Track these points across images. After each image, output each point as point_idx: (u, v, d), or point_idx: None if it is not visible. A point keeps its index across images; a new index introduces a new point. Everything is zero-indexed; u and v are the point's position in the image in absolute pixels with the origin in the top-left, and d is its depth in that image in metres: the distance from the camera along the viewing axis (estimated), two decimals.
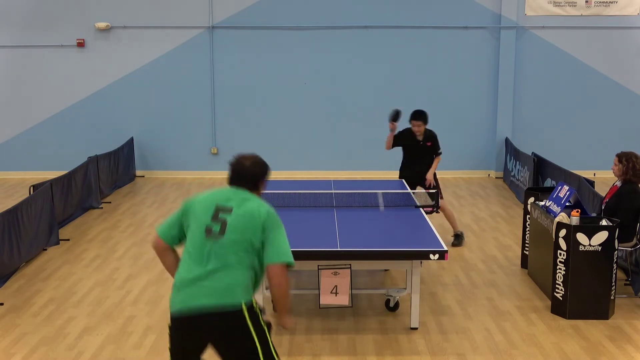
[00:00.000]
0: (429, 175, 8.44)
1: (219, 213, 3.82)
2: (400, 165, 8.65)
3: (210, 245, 3.76)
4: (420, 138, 8.43)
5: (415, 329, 5.94)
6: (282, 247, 3.79)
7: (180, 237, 3.97)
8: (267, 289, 6.12)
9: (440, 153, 8.55)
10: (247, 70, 12.75)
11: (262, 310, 3.84)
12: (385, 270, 7.37)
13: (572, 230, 6.05)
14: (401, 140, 8.50)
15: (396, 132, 8.44)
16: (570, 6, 12.61)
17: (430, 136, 8.48)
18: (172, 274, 3.95)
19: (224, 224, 3.79)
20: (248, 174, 3.96)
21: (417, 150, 8.47)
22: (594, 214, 6.96)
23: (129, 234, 9.04)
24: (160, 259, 4.06)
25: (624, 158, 6.65)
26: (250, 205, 3.84)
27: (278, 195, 7.36)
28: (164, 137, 12.94)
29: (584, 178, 8.49)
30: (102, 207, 10.42)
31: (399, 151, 8.55)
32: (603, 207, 6.79)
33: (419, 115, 8.38)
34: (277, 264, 3.76)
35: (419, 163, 8.48)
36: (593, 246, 6.04)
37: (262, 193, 4.04)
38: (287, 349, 5.59)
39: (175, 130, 12.93)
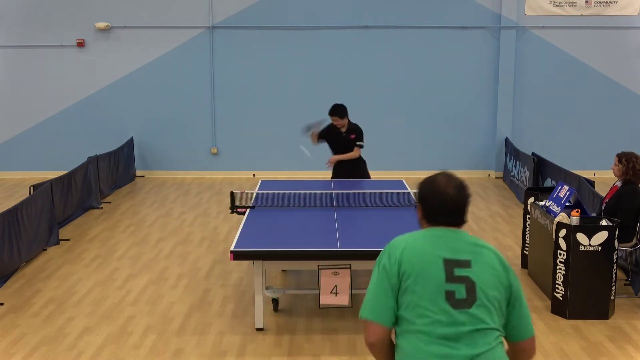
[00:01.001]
0: (334, 158, 8.52)
1: (453, 269, 2.75)
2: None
3: (462, 318, 2.70)
4: (343, 130, 8.53)
5: None
6: (529, 316, 2.90)
7: (396, 312, 2.81)
8: (267, 288, 6.12)
9: (361, 146, 8.58)
10: (247, 70, 12.75)
11: None
12: None
13: (572, 230, 6.04)
14: (325, 136, 8.59)
15: (319, 129, 8.57)
16: (570, 6, 12.61)
17: (355, 129, 8.54)
18: None
19: (470, 285, 2.73)
20: (459, 207, 2.89)
21: (339, 142, 8.56)
22: (594, 214, 6.96)
23: (129, 234, 9.04)
24: (376, 354, 2.87)
25: (624, 158, 6.65)
26: (486, 254, 2.83)
27: (279, 195, 7.36)
28: (164, 137, 12.94)
29: (584, 178, 8.49)
30: (102, 207, 10.42)
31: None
32: (603, 207, 6.79)
33: (334, 110, 8.43)
34: (529, 339, 2.87)
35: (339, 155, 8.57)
36: (593, 246, 6.04)
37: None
38: (287, 349, 5.59)
39: (175, 130, 12.93)
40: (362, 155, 8.64)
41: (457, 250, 2.79)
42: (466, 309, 2.71)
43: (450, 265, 2.75)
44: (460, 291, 2.72)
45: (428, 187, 2.92)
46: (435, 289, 2.72)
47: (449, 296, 2.71)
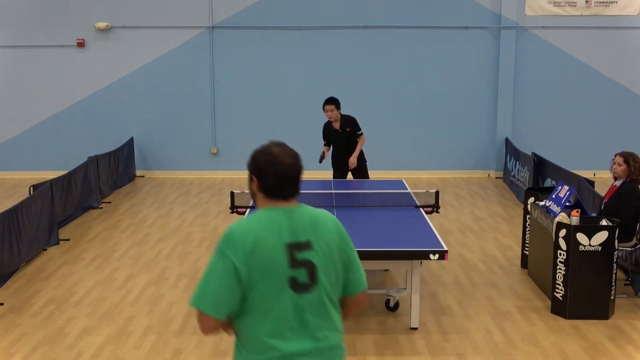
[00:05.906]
0: (352, 159, 8.67)
1: (295, 254, 2.71)
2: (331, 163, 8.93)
3: (303, 304, 2.72)
4: (337, 126, 8.65)
5: (415, 329, 5.94)
6: (363, 273, 2.97)
7: (236, 303, 2.72)
8: None
9: (362, 134, 8.77)
10: (247, 70, 12.75)
11: None
12: (385, 270, 7.36)
13: (572, 230, 6.05)
14: (327, 136, 8.80)
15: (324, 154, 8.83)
16: (570, 6, 12.61)
17: (348, 120, 8.70)
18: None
19: (311, 269, 2.73)
20: (296, 176, 2.86)
21: (340, 139, 8.72)
22: (594, 214, 6.96)
23: (129, 234, 9.04)
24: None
25: (631, 159, 6.63)
26: (324, 228, 2.81)
27: None
28: (164, 137, 12.94)
29: (584, 178, 8.49)
30: (102, 207, 10.42)
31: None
32: (602, 207, 6.79)
33: (330, 100, 8.59)
34: (362, 292, 2.95)
35: (344, 151, 8.71)
36: (593, 246, 6.04)
37: None
38: None
39: (175, 130, 12.93)
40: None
41: (297, 232, 2.74)
42: (306, 292, 2.71)
43: (292, 249, 2.70)
44: (303, 276, 2.71)
45: (264, 158, 2.78)
46: (280, 277, 2.69)
47: (293, 282, 2.70)
